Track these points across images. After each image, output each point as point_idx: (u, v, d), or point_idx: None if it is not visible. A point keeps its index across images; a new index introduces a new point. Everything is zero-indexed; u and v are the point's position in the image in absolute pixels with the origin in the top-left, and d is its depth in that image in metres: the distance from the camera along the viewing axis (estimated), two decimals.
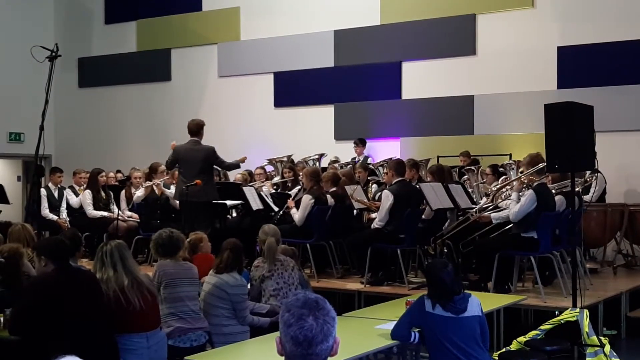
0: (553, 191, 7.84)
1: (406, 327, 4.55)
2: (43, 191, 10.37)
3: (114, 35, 15.41)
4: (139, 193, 10.05)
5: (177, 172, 9.30)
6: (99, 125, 15.44)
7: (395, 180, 8.16)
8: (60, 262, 4.61)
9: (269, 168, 11.54)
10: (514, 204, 7.43)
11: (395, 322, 4.63)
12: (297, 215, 8.59)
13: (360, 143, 12.00)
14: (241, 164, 9.43)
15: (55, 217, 10.47)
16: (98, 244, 9.64)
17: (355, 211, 9.13)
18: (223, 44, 14.20)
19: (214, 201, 8.89)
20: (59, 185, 10.88)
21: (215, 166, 9.11)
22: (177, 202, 9.25)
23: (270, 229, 6.36)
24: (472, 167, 10.00)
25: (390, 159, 10.25)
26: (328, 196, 8.81)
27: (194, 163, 8.70)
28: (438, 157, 11.40)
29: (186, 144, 8.85)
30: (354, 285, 8.20)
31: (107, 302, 4.64)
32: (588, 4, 11.16)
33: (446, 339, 4.35)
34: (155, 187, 9.90)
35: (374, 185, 9.80)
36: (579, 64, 11.09)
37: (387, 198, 7.97)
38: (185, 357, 4.49)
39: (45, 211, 10.32)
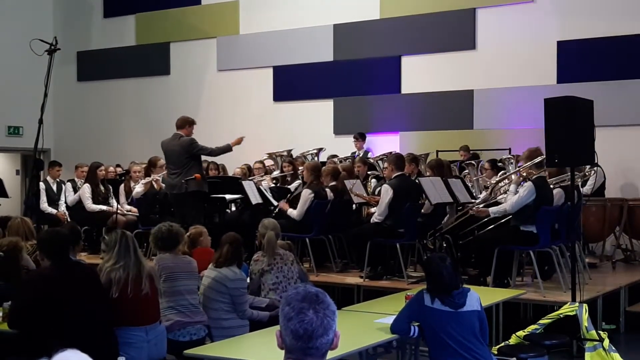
0: (552, 185, 7.84)
1: (405, 321, 4.55)
2: (42, 185, 10.37)
3: (113, 29, 15.39)
4: (138, 189, 10.03)
5: None
6: (98, 119, 15.43)
7: (395, 175, 8.15)
8: (57, 258, 4.61)
9: (269, 162, 11.54)
10: (512, 196, 7.43)
11: (394, 317, 4.63)
12: (294, 212, 8.60)
13: (360, 137, 11.99)
14: (235, 146, 9.31)
15: (54, 211, 10.46)
16: (97, 238, 9.69)
17: (354, 205, 9.12)
18: (222, 38, 14.18)
19: (204, 190, 8.94)
20: (57, 179, 10.87)
21: (203, 156, 9.28)
22: None
23: (270, 223, 6.35)
24: (472, 162, 10.00)
25: (390, 153, 10.24)
26: (327, 190, 8.81)
27: (172, 156, 9.00)
28: (437, 151, 11.40)
29: (169, 138, 9.13)
30: (353, 279, 8.20)
31: (107, 295, 4.64)
32: None
33: (445, 334, 4.35)
34: (154, 183, 9.90)
35: (373, 180, 9.80)
36: (579, 58, 11.09)
37: (387, 192, 7.97)
38: (185, 351, 4.49)
39: (44, 205, 10.31)
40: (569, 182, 6.85)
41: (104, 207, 10.16)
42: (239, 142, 9.30)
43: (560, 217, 7.56)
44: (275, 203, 9.22)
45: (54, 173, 10.85)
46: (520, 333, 6.27)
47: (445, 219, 8.58)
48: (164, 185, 9.83)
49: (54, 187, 10.72)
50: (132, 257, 4.77)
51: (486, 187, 8.70)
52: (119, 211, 9.87)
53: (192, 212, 8.67)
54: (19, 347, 4.48)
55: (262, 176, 10.30)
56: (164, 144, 9.14)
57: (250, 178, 10.10)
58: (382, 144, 12.24)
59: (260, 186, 9.48)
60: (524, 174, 7.58)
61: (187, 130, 9.05)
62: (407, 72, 12.52)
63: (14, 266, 5.30)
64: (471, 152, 11.13)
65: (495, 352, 5.41)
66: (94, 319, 4.48)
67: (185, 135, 9.01)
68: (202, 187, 8.87)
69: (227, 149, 9.23)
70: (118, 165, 12.81)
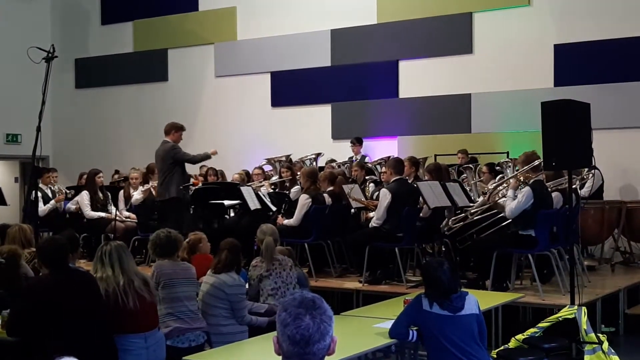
0: (549, 189, 7.84)
1: (404, 325, 4.55)
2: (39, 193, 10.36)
3: (110, 35, 15.41)
4: (137, 196, 10.03)
5: None
6: (96, 126, 15.43)
7: (394, 179, 8.16)
8: (55, 266, 4.61)
9: (267, 167, 11.55)
10: (510, 201, 7.44)
11: (393, 321, 4.63)
12: (291, 220, 8.61)
13: (357, 142, 11.99)
14: (211, 156, 9.63)
15: (50, 206, 10.39)
16: (96, 245, 9.70)
17: (352, 210, 9.13)
18: (220, 44, 14.20)
19: (186, 199, 9.01)
20: (49, 186, 10.81)
21: (186, 162, 9.36)
22: None
23: (268, 229, 6.36)
24: (470, 165, 10.01)
25: (389, 157, 10.25)
26: (325, 195, 8.82)
27: (157, 162, 9.21)
28: (435, 155, 11.40)
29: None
30: (352, 284, 8.21)
31: (106, 303, 4.64)
32: (584, 1, 11.17)
33: (444, 338, 4.35)
34: (152, 190, 9.89)
35: (371, 185, 9.80)
36: (576, 61, 11.10)
37: (385, 196, 7.97)
38: (184, 357, 4.49)
39: (42, 209, 10.28)
40: (567, 185, 6.86)
41: (102, 214, 10.15)
42: (215, 152, 9.57)
43: (558, 220, 7.57)
44: (274, 209, 9.22)
45: (45, 180, 10.76)
46: (520, 336, 6.26)
47: (444, 223, 8.57)
48: None
49: (49, 193, 10.68)
50: (117, 269, 4.74)
51: (484, 193, 8.70)
52: (117, 218, 9.87)
53: (174, 219, 8.69)
54: (19, 355, 4.48)
55: (260, 182, 10.30)
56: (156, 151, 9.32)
57: (249, 184, 10.11)
58: (381, 149, 12.25)
59: (259, 192, 9.49)
60: (521, 179, 7.58)
61: (174, 135, 9.18)
62: (405, 76, 12.54)
63: (13, 274, 5.30)
64: (469, 155, 11.14)
65: (495, 356, 5.41)
66: (93, 326, 4.48)
67: (172, 140, 9.13)
68: (183, 196, 8.96)
69: (206, 157, 9.52)
70: (117, 172, 12.81)
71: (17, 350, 4.48)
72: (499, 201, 7.96)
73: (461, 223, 8.32)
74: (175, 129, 9.20)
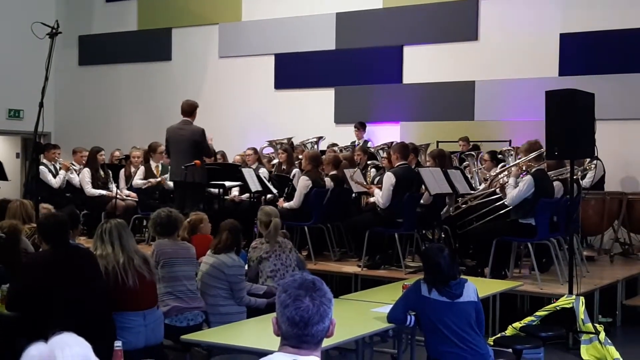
0: (551, 178, 7.83)
1: (402, 310, 4.57)
2: (43, 169, 10.33)
3: (115, 13, 15.35)
4: (139, 181, 9.93)
5: None
6: (99, 103, 15.41)
7: (399, 164, 8.14)
8: (56, 242, 4.62)
9: (269, 150, 11.52)
10: (511, 189, 7.43)
11: (391, 306, 4.64)
12: (291, 202, 8.60)
13: (360, 127, 11.98)
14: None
15: (62, 175, 10.37)
16: (96, 223, 9.69)
17: (353, 194, 9.13)
18: (224, 25, 14.14)
19: (206, 182, 8.88)
20: (52, 162, 10.80)
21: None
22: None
23: (272, 210, 6.36)
24: (472, 153, 10.00)
25: (392, 143, 10.24)
26: (327, 179, 8.81)
27: (180, 142, 8.71)
28: (438, 142, 11.39)
29: (177, 123, 8.87)
30: (351, 268, 8.22)
31: (105, 280, 4.65)
32: None
33: (441, 323, 4.37)
34: (162, 183, 9.82)
35: (373, 170, 9.79)
36: (581, 51, 11.06)
37: (390, 178, 7.95)
38: (182, 336, 4.51)
39: (55, 180, 10.28)
40: (568, 175, 6.85)
41: (103, 192, 10.14)
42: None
43: (559, 209, 7.57)
44: (274, 191, 9.22)
45: (49, 156, 10.72)
46: (517, 324, 6.29)
47: (445, 209, 8.57)
48: (168, 183, 9.68)
49: (53, 170, 10.68)
50: (117, 247, 4.75)
51: (485, 179, 8.70)
52: (118, 196, 9.87)
53: (191, 201, 8.59)
54: (17, 329, 4.49)
55: (258, 167, 10.24)
56: (171, 130, 8.85)
57: (246, 168, 10.07)
58: (383, 134, 12.24)
59: (260, 174, 9.48)
60: (524, 167, 7.57)
61: (194, 116, 8.82)
62: (409, 62, 12.50)
63: (13, 249, 5.31)
64: (471, 143, 11.13)
65: (492, 343, 5.42)
66: (92, 303, 4.49)
67: (192, 121, 8.83)
68: (204, 179, 8.79)
69: (212, 149, 9.30)
70: (118, 150, 12.78)
71: (16, 325, 4.50)
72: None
73: (463, 206, 8.32)
74: (195, 109, 8.78)
